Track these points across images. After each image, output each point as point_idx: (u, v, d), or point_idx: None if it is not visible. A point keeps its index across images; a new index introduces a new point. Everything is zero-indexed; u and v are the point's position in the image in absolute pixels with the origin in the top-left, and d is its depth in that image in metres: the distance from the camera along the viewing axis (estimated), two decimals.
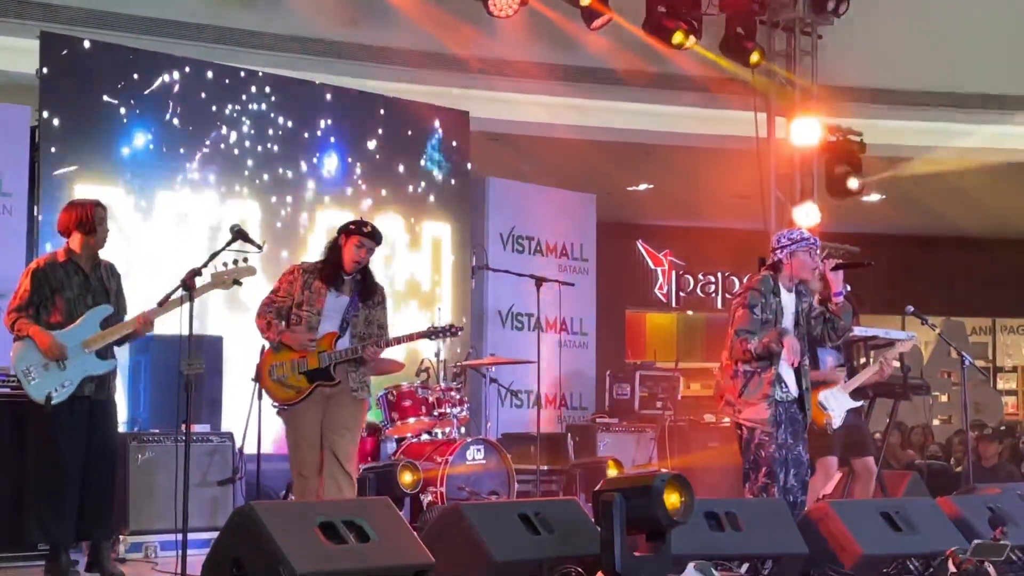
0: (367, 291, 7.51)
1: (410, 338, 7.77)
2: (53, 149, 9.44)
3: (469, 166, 12.06)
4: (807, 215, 12.55)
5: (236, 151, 10.50)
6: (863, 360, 10.23)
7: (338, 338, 7.39)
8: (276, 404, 7.50)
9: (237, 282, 7.22)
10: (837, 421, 8.75)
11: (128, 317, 7.22)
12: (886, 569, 6.92)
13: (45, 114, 9.42)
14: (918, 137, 13.88)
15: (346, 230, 7.48)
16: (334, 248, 7.48)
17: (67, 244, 7.21)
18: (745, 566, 6.65)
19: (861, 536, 6.92)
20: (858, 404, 9.02)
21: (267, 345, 7.66)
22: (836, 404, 8.78)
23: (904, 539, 7.07)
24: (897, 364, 9.38)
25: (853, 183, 12.95)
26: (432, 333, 7.91)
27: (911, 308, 9.49)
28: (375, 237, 7.48)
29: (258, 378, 7.64)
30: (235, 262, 7.15)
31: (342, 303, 7.44)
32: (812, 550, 6.90)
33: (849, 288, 7.81)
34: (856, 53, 13.14)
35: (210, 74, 10.43)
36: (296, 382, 7.37)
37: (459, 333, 8.23)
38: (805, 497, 7.77)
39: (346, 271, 7.44)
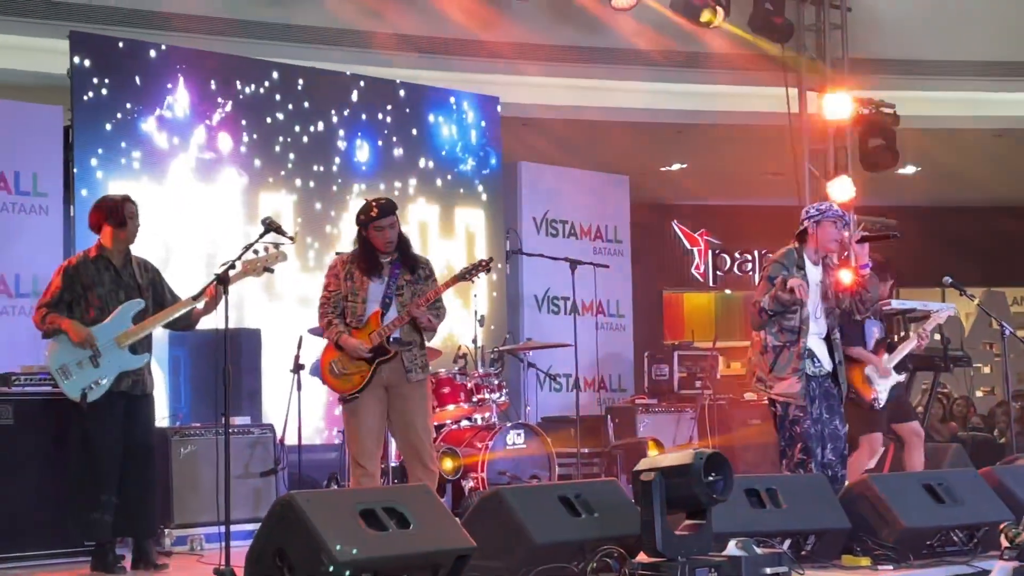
0: (409, 266, 7.44)
1: (446, 286, 7.54)
2: (86, 148, 9.50)
3: (500, 151, 12.06)
4: (841, 189, 12.48)
5: (267, 143, 10.55)
6: (902, 334, 10.19)
7: (383, 315, 7.36)
8: (343, 395, 7.39)
9: (268, 269, 7.22)
10: (883, 396, 8.74)
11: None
12: (929, 541, 6.88)
13: (77, 113, 9.49)
14: (951, 107, 13.76)
15: (361, 223, 7.37)
16: (361, 241, 7.41)
17: (98, 240, 7.25)
18: (787, 542, 6.63)
19: (904, 509, 6.88)
20: (901, 378, 9.01)
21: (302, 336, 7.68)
22: (881, 380, 8.77)
23: (947, 511, 7.03)
24: (937, 336, 9.35)
25: (887, 156, 12.87)
26: (466, 272, 7.67)
27: (949, 279, 9.43)
28: (386, 212, 7.32)
29: (320, 376, 7.52)
30: (265, 249, 7.16)
31: (381, 285, 7.37)
32: (854, 524, 6.87)
33: (871, 264, 7.77)
34: (886, 25, 13.05)
35: (240, 68, 10.49)
36: (357, 368, 7.32)
37: (491, 265, 8.02)
38: (845, 471, 7.75)
39: (382, 254, 7.43)
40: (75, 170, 9.47)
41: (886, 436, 9.04)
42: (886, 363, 8.86)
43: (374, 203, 7.40)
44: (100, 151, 9.60)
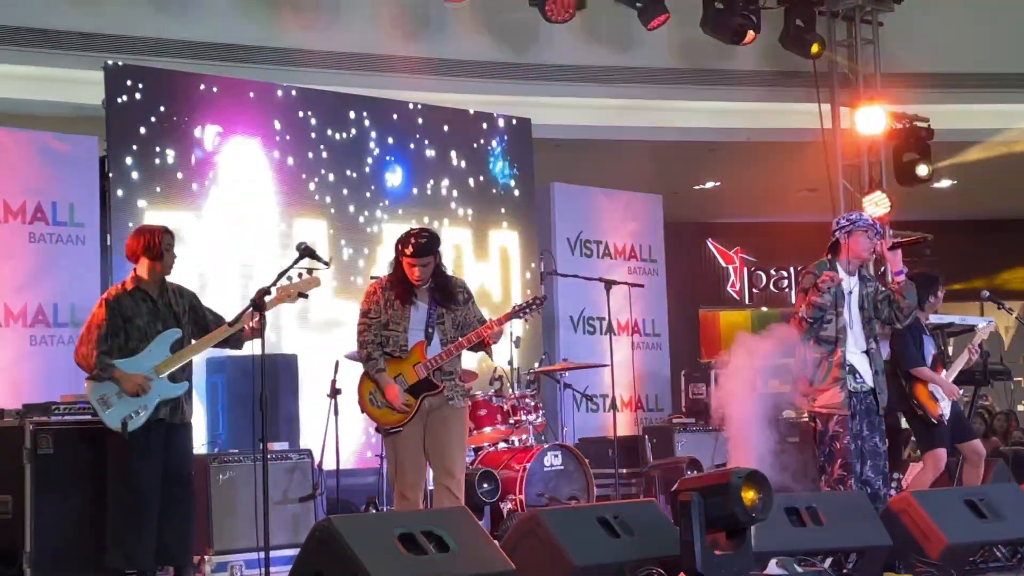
0: (445, 295, 7.42)
1: (499, 322, 7.51)
2: (121, 178, 9.58)
3: (534, 173, 12.07)
4: (877, 204, 12.43)
5: (301, 169, 10.59)
6: (943, 348, 10.13)
7: (426, 347, 7.36)
8: (386, 428, 7.34)
9: (303, 295, 7.25)
10: (947, 412, 8.72)
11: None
12: (972, 558, 6.84)
13: (112, 143, 9.56)
14: (986, 120, 13.70)
15: (398, 252, 7.34)
16: (398, 265, 7.37)
17: (134, 271, 7.29)
18: (828, 560, 6.59)
19: (946, 525, 6.84)
20: (961, 392, 9.00)
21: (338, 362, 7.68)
22: (942, 395, 8.74)
23: (990, 527, 6.98)
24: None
25: (922, 170, 12.82)
26: (520, 311, 7.68)
27: (987, 293, 9.40)
28: (420, 254, 7.27)
29: (360, 406, 7.44)
30: (299, 275, 7.18)
31: (423, 313, 7.36)
32: (896, 542, 6.83)
33: (907, 272, 7.76)
34: (918, 39, 13.01)
35: (273, 95, 10.54)
36: (403, 400, 7.26)
37: (543, 303, 7.96)
38: (887, 489, 7.71)
39: (418, 284, 7.42)
40: (111, 200, 9.53)
41: (949, 455, 9.00)
42: (945, 379, 8.85)
43: (412, 240, 7.31)
44: (135, 180, 9.67)
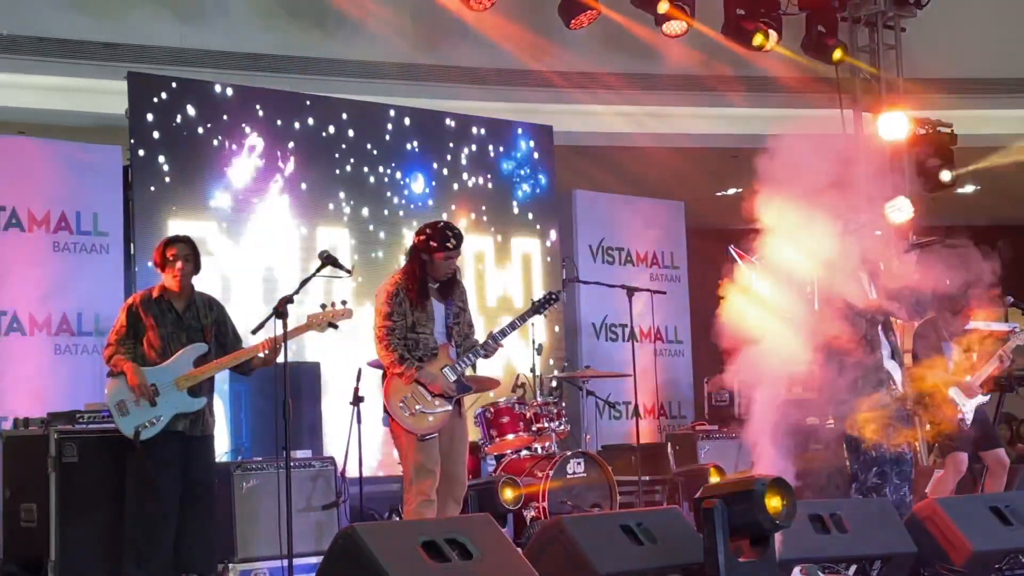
0: (459, 293, 7.50)
1: (522, 320, 7.70)
2: (145, 188, 9.61)
3: (555, 180, 12.07)
4: (900, 210, 12.38)
5: (323, 177, 10.61)
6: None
7: (448, 348, 7.39)
8: (421, 435, 7.26)
9: (333, 325, 7.28)
10: (969, 417, 8.67)
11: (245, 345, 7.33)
12: (998, 565, 6.79)
13: (136, 153, 9.60)
14: (1010, 124, 13.64)
15: (428, 248, 7.29)
16: (418, 263, 7.33)
17: (162, 281, 7.33)
18: (853, 568, 6.57)
19: (971, 532, 6.81)
20: (986, 399, 8.94)
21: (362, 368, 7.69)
22: (966, 400, 8.70)
23: (1016, 533, 6.95)
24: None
25: (946, 175, 12.76)
26: (536, 308, 7.79)
27: (1011, 298, 9.35)
28: (460, 245, 7.37)
29: (386, 411, 7.38)
30: (332, 304, 7.23)
31: (441, 313, 7.38)
32: (921, 549, 6.80)
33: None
34: (941, 44, 12.97)
35: (295, 104, 10.57)
36: (438, 406, 7.28)
37: (561, 296, 8.06)
38: (913, 496, 7.67)
39: (434, 281, 7.38)
40: (134, 209, 9.57)
41: (972, 463, 8.95)
42: (969, 383, 8.80)
43: (450, 232, 7.33)
44: (158, 189, 9.70)
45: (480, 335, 7.68)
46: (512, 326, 7.66)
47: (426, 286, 7.34)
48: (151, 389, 7.02)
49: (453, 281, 7.49)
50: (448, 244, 7.28)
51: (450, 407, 7.31)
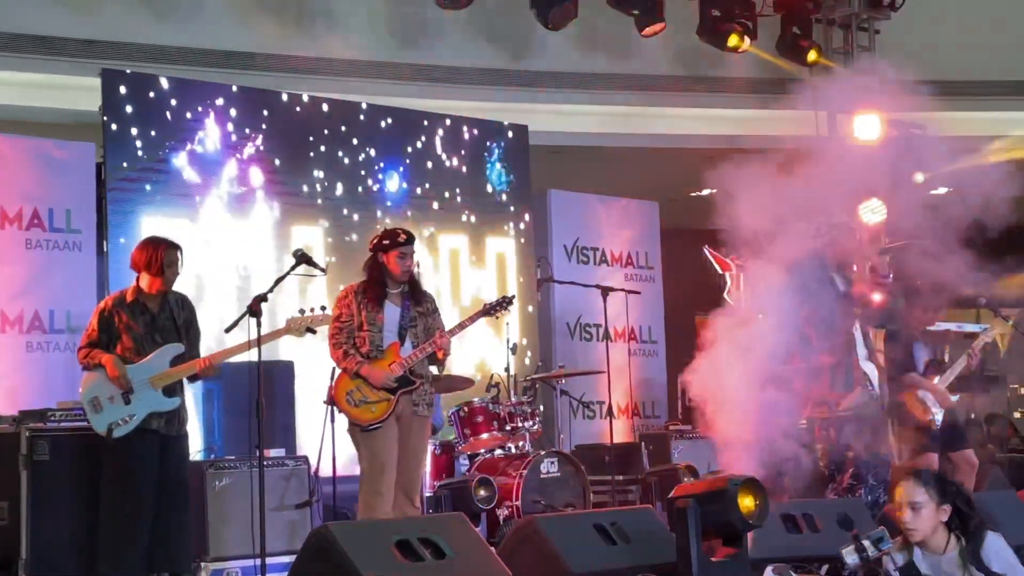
0: (417, 298, 7.67)
1: (471, 320, 7.90)
2: (118, 184, 9.57)
3: (530, 180, 12.07)
4: (873, 211, 12.43)
5: (297, 176, 10.59)
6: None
7: (400, 347, 7.52)
8: (365, 425, 7.47)
9: (311, 330, 7.33)
10: (939, 418, 8.70)
11: (202, 352, 7.34)
12: None
13: (109, 150, 9.56)
14: (982, 127, 13.70)
15: (383, 247, 7.56)
16: (375, 266, 7.57)
17: (136, 282, 7.30)
18: (825, 567, 6.59)
19: None
20: (955, 399, 8.97)
21: (336, 368, 7.73)
22: (933, 402, 8.73)
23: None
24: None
25: (918, 177, 12.80)
26: (488, 310, 7.99)
27: (983, 300, 9.39)
28: (412, 240, 7.61)
29: (335, 405, 7.66)
30: (312, 310, 7.29)
31: (396, 315, 7.57)
32: None
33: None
34: (915, 47, 13.02)
35: (269, 102, 10.54)
36: (378, 397, 7.46)
37: (513, 302, 8.25)
38: (887, 497, 7.71)
39: (395, 282, 7.54)
40: (108, 206, 9.53)
41: (941, 462, 8.98)
42: (938, 384, 8.83)
43: (400, 230, 7.61)
44: (132, 187, 9.66)
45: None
46: (461, 326, 7.87)
47: (383, 288, 7.52)
48: (129, 381, 7.00)
49: (419, 290, 7.68)
50: (399, 239, 7.53)
51: (393, 398, 7.43)
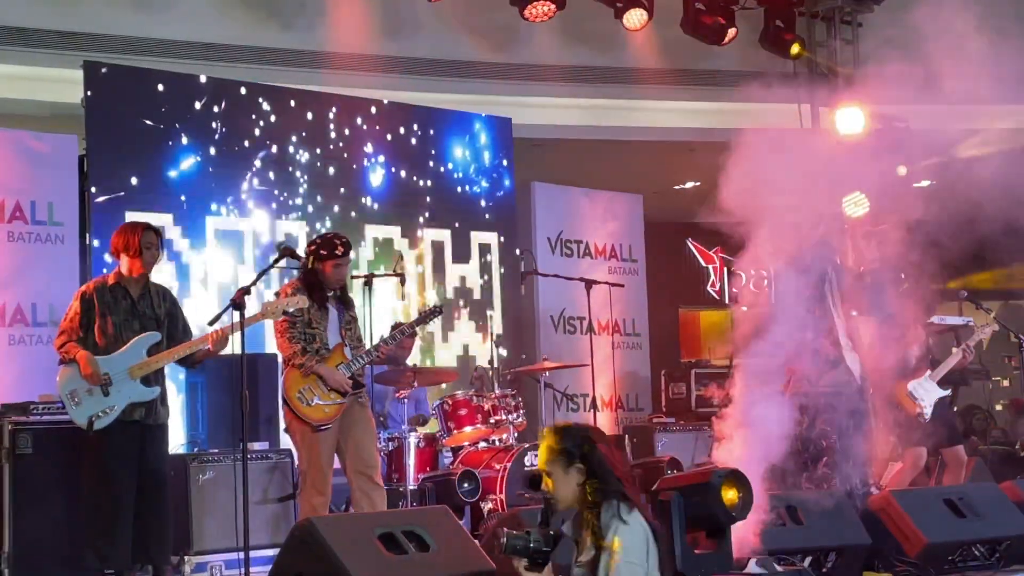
0: (347, 303, 7.78)
1: (410, 328, 8.33)
2: (101, 177, 9.54)
3: (514, 172, 12.07)
4: (855, 204, 12.44)
5: (282, 169, 10.57)
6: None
7: (343, 348, 7.61)
8: (316, 425, 7.47)
9: (287, 312, 7.31)
10: (928, 411, 8.72)
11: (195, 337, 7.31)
12: (951, 556, 6.86)
13: (92, 142, 9.53)
14: (963, 120, 13.73)
15: (319, 256, 7.56)
16: (311, 272, 7.57)
17: (117, 268, 7.28)
18: (808, 559, 6.61)
19: (925, 524, 6.87)
20: (946, 393, 8.98)
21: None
22: (925, 394, 8.74)
23: (968, 525, 7.01)
24: (955, 350, 9.31)
25: (901, 170, 12.83)
26: (423, 318, 8.36)
27: (965, 293, 9.42)
28: (349, 251, 7.66)
29: (286, 402, 7.57)
30: (285, 292, 7.29)
31: (334, 317, 7.66)
32: (875, 541, 6.86)
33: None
34: (898, 39, 13.02)
35: (255, 95, 10.51)
36: (330, 399, 7.48)
37: (442, 311, 8.66)
38: (868, 488, 7.73)
39: (328, 290, 7.62)
40: (90, 199, 9.50)
41: (931, 457, 9.00)
42: (930, 378, 8.85)
43: (339, 241, 7.64)
44: (114, 180, 9.63)
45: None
46: (402, 332, 8.30)
47: (322, 293, 7.59)
48: (105, 378, 6.96)
49: (347, 296, 7.81)
50: (336, 251, 7.57)
51: (344, 401, 7.50)
